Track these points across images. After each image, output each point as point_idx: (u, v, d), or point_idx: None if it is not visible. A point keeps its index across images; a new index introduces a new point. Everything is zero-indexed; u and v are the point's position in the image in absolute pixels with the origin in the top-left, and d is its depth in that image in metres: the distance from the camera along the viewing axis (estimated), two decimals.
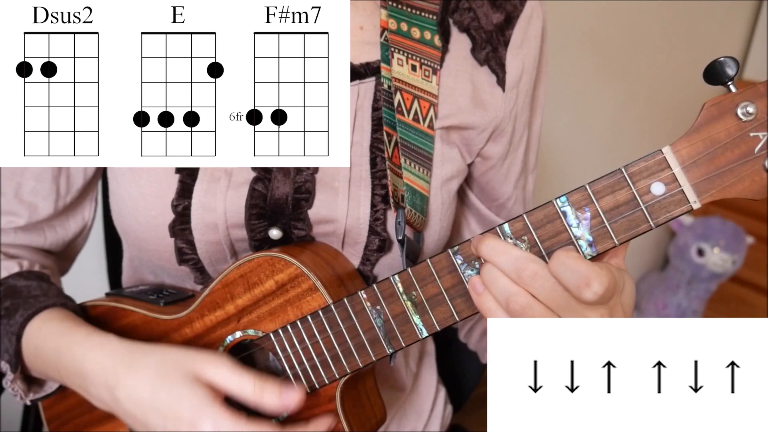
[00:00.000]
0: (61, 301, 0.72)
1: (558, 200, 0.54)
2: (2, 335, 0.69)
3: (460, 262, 0.58)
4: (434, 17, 0.74)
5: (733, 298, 2.55)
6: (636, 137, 2.31)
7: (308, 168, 0.71)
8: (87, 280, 1.02)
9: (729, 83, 0.51)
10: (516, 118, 0.78)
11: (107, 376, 0.63)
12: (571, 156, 2.15)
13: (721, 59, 0.51)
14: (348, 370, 0.65)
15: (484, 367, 1.08)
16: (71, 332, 0.67)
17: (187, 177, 0.70)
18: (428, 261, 0.59)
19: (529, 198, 0.88)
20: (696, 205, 0.52)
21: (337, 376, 0.66)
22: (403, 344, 0.62)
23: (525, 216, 0.55)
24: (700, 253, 2.36)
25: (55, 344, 0.67)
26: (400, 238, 0.69)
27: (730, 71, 0.51)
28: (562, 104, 2.01)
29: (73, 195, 0.79)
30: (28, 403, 0.73)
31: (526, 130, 0.81)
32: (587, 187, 0.54)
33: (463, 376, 1.08)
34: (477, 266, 0.58)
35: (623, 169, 0.53)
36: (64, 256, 0.87)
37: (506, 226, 0.55)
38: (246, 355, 0.73)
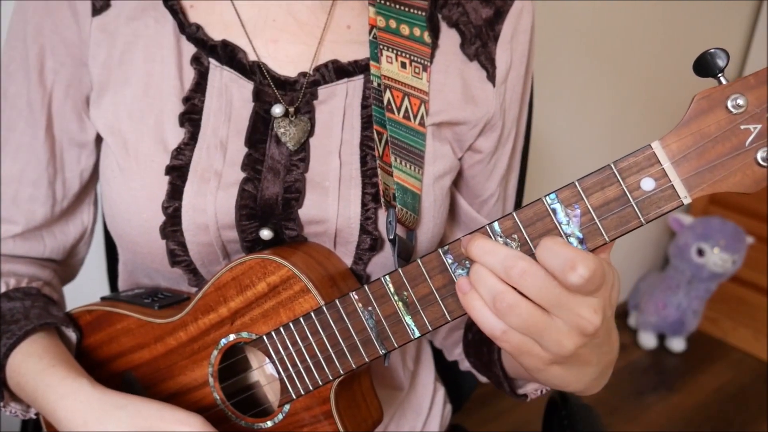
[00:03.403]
0: (44, 320, 0.71)
1: (547, 197, 0.54)
2: None
3: (450, 261, 0.57)
4: (423, 13, 0.73)
5: (733, 298, 2.56)
6: (635, 137, 2.31)
7: (298, 167, 0.71)
8: (87, 281, 1.02)
9: (719, 75, 0.51)
10: (505, 113, 0.78)
11: (78, 426, 0.62)
12: (571, 155, 2.15)
13: (711, 51, 0.50)
14: (341, 372, 0.65)
15: None
16: (47, 373, 0.66)
17: (177, 179, 0.70)
18: (419, 261, 0.58)
19: (510, 195, 0.87)
20: (687, 200, 0.51)
21: (330, 378, 0.65)
22: (396, 345, 0.62)
23: (514, 214, 0.54)
24: (700, 253, 2.36)
25: (33, 385, 0.67)
26: (391, 237, 0.69)
27: (721, 62, 0.50)
28: (561, 104, 2.01)
29: (69, 199, 0.79)
30: (33, 416, 0.73)
31: (515, 126, 0.81)
32: (576, 183, 0.53)
33: (464, 376, 1.07)
34: (468, 265, 0.57)
35: (612, 165, 0.52)
36: (67, 263, 0.86)
37: (496, 225, 0.55)
38: (240, 357, 0.73)
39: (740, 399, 2.30)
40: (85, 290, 0.90)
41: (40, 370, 0.67)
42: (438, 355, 0.98)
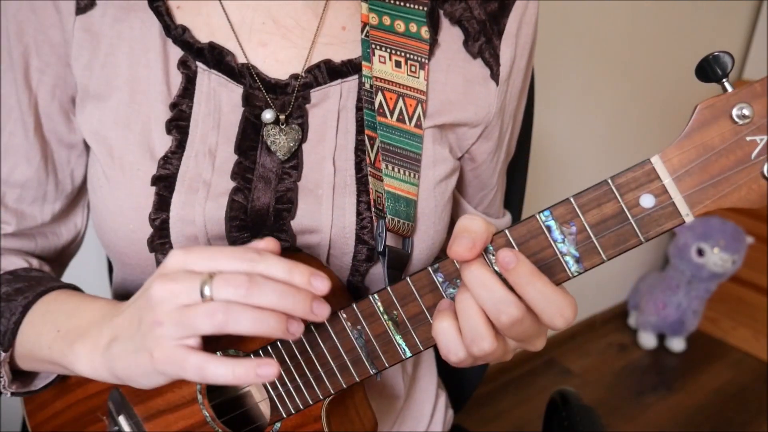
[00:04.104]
0: (75, 286, 0.70)
1: (541, 214, 0.51)
2: (3, 313, 0.67)
3: (441, 280, 0.55)
4: (421, 8, 0.70)
5: (733, 298, 2.55)
6: (635, 137, 2.30)
7: (290, 176, 0.69)
8: (87, 282, 1.00)
9: (724, 81, 0.48)
10: (505, 110, 0.76)
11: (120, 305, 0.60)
12: (571, 156, 2.14)
13: (715, 54, 0.48)
14: (332, 391, 0.63)
15: (485, 366, 1.06)
16: (94, 297, 0.66)
17: (164, 189, 0.68)
18: (408, 279, 0.57)
19: (503, 184, 0.86)
20: (689, 218, 0.49)
21: (321, 397, 0.64)
22: (387, 365, 0.60)
23: (507, 231, 0.52)
24: (700, 253, 2.35)
25: (75, 302, 0.65)
26: (380, 250, 0.67)
27: (725, 67, 0.47)
28: (561, 104, 2.00)
29: (63, 202, 0.77)
30: (8, 395, 0.70)
31: (512, 120, 0.79)
32: (572, 199, 0.51)
33: (465, 376, 1.06)
34: (459, 284, 0.55)
35: (610, 181, 0.50)
36: (56, 262, 0.84)
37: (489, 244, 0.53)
38: None
39: (740, 399, 2.30)
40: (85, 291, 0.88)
41: (85, 295, 0.67)
42: (439, 354, 0.96)
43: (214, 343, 0.66)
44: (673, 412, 2.24)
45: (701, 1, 2.23)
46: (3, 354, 0.67)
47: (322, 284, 0.52)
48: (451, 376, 1.02)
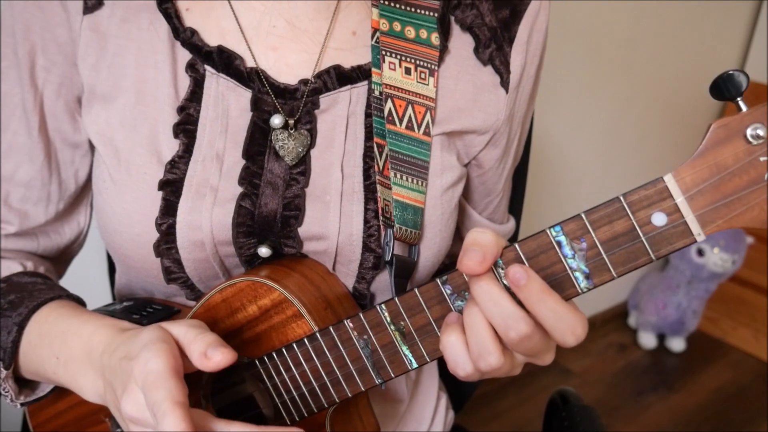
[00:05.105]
0: (67, 293, 0.69)
1: (552, 229, 0.51)
2: (1, 328, 0.66)
3: (449, 292, 0.55)
4: (432, 14, 0.70)
5: (733, 298, 2.55)
6: (636, 137, 2.30)
7: (298, 182, 0.68)
8: (87, 282, 1.00)
9: (738, 100, 0.48)
10: (514, 117, 0.75)
11: (115, 342, 0.58)
12: (571, 156, 2.13)
13: (729, 73, 0.47)
14: (336, 400, 0.63)
15: None
16: (84, 315, 0.65)
17: (171, 194, 0.67)
18: (416, 290, 0.56)
19: (508, 189, 0.86)
20: (700, 238, 0.49)
21: (326, 405, 0.64)
22: (393, 375, 0.60)
23: (517, 246, 0.52)
24: (700, 253, 2.35)
25: (65, 326, 0.64)
26: (387, 259, 0.67)
27: (740, 87, 0.47)
28: (562, 104, 2.00)
29: (66, 201, 0.77)
30: (18, 406, 0.70)
31: (520, 126, 0.78)
32: (583, 215, 0.50)
33: None
34: (467, 296, 0.55)
35: (622, 198, 0.50)
36: (59, 261, 0.84)
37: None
38: (234, 381, 0.71)
39: (740, 399, 2.30)
40: (86, 291, 0.88)
41: (76, 314, 0.65)
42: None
43: None
44: (673, 412, 2.24)
45: (701, 1, 2.22)
46: (4, 371, 0.67)
47: None
48: (451, 378, 1.02)
